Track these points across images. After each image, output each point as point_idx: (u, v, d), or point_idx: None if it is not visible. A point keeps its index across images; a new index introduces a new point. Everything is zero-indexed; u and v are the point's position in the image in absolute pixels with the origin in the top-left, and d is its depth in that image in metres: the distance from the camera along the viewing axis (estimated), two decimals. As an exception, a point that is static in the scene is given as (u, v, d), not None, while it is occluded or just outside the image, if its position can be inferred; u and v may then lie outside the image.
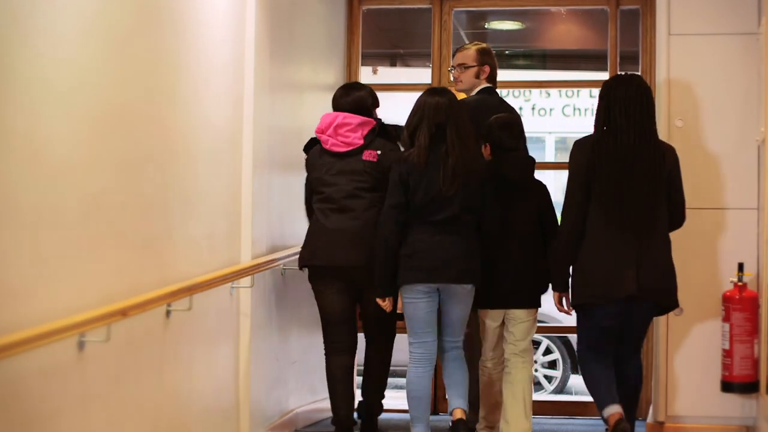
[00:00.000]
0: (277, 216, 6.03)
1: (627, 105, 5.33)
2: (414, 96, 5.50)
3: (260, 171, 5.68)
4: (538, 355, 9.29)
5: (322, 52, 6.89)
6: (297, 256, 5.84)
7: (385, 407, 6.02)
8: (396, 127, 5.77)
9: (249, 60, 5.56)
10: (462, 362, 5.49)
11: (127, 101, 4.23)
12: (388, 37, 9.64)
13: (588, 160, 5.31)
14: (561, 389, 9.38)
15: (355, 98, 5.80)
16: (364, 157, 5.66)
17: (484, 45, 6.11)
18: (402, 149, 5.60)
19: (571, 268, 5.39)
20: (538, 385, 9.20)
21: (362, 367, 5.95)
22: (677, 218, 5.43)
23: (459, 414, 5.34)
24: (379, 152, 5.66)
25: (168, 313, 4.56)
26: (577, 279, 5.37)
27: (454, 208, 5.30)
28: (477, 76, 6.02)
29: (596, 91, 5.57)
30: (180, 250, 4.74)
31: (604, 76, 6.79)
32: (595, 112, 5.50)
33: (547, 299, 5.59)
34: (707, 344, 5.94)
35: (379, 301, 5.41)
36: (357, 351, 5.88)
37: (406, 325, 5.45)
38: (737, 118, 6.00)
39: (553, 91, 11.22)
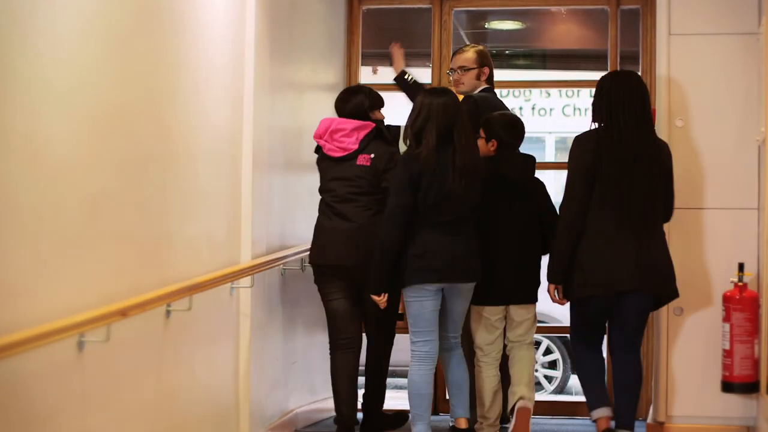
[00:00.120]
0: (277, 216, 6.03)
1: (628, 100, 5.41)
2: (414, 96, 5.51)
3: (260, 171, 5.68)
4: (538, 355, 9.29)
5: (322, 52, 6.88)
6: (297, 256, 6.00)
7: (385, 407, 6.06)
8: (389, 128, 5.82)
9: (249, 60, 5.56)
10: (465, 365, 5.58)
11: (127, 101, 4.23)
12: (388, 37, 9.63)
13: (591, 157, 5.37)
14: (561, 389, 9.37)
15: (354, 104, 5.88)
16: (358, 162, 5.74)
17: (481, 47, 6.22)
18: (401, 149, 5.62)
19: (568, 262, 5.45)
20: (538, 385, 9.19)
21: (363, 368, 5.98)
22: (669, 213, 5.59)
23: (463, 424, 5.49)
24: (372, 156, 5.72)
25: (168, 313, 4.56)
26: (577, 275, 5.42)
27: (462, 207, 5.36)
28: (477, 78, 6.12)
29: (597, 92, 5.61)
30: (180, 250, 4.74)
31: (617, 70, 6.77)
32: (592, 106, 5.55)
33: (548, 298, 5.63)
34: (707, 344, 5.94)
35: (374, 297, 5.41)
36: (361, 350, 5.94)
37: (408, 323, 5.47)
38: (737, 118, 5.99)
39: (554, 91, 11.21)
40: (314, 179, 6.26)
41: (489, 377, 5.66)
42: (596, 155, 5.39)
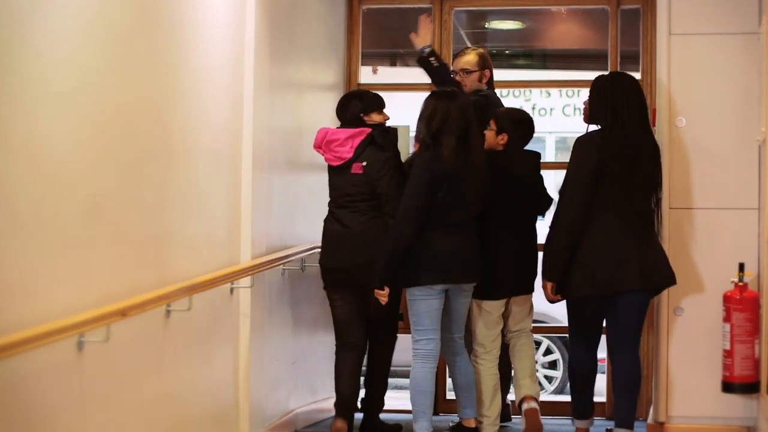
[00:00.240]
0: (277, 216, 6.03)
1: (630, 100, 5.48)
2: (414, 96, 5.52)
3: (260, 171, 5.68)
4: (539, 356, 9.28)
5: (322, 51, 6.88)
6: (297, 256, 6.05)
7: (385, 407, 6.08)
8: (388, 130, 5.84)
9: (249, 60, 5.56)
10: (471, 367, 5.64)
11: (127, 101, 4.23)
12: (388, 37, 9.62)
13: (595, 159, 5.41)
14: (561, 389, 9.36)
15: (350, 112, 5.93)
16: (352, 171, 5.81)
17: (482, 50, 6.31)
18: (409, 151, 5.66)
19: (567, 260, 5.49)
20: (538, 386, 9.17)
21: (365, 368, 6.00)
22: (659, 210, 5.67)
23: (473, 423, 5.60)
24: (364, 164, 5.77)
25: (168, 313, 4.56)
26: (576, 274, 5.45)
27: (473, 208, 5.46)
28: (479, 80, 6.19)
29: (597, 92, 5.63)
30: (180, 250, 4.74)
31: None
32: (589, 107, 5.56)
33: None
34: (708, 344, 5.93)
35: (377, 292, 5.41)
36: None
37: (411, 322, 5.49)
38: (738, 118, 5.99)
39: (554, 91, 11.20)
40: (314, 179, 6.27)
41: (489, 375, 5.67)
42: (600, 157, 5.41)
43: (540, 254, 5.73)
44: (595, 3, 7.32)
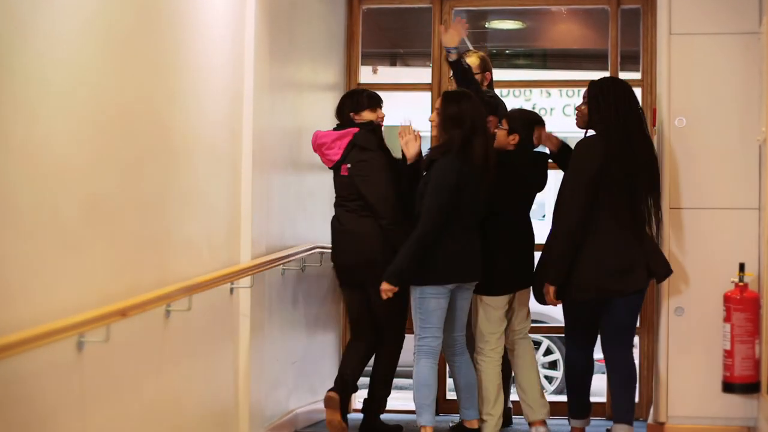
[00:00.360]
0: (277, 216, 6.02)
1: (633, 103, 5.52)
2: (414, 96, 5.52)
3: (260, 171, 5.68)
4: (539, 356, 9.27)
5: (322, 51, 6.88)
6: (297, 257, 6.06)
7: (386, 407, 6.08)
8: (376, 129, 5.88)
9: (248, 59, 5.56)
10: (473, 367, 5.66)
11: (127, 101, 4.22)
12: (388, 37, 9.63)
13: (599, 163, 5.43)
14: (562, 390, 9.35)
15: (344, 112, 5.97)
16: (342, 173, 5.89)
17: (482, 53, 6.38)
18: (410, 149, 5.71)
19: (569, 264, 5.50)
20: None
21: (370, 368, 6.01)
22: (658, 212, 5.68)
23: (476, 425, 5.64)
24: (348, 166, 5.84)
25: (167, 313, 4.56)
26: (576, 276, 5.45)
27: (484, 208, 5.54)
28: (481, 83, 6.20)
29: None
30: (179, 250, 4.73)
31: (605, 75, 6.77)
32: (589, 111, 5.57)
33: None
34: (708, 345, 5.93)
35: (386, 285, 5.41)
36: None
37: (417, 320, 5.49)
38: (738, 118, 5.99)
39: (554, 91, 11.20)
40: (314, 179, 6.27)
41: (493, 374, 5.69)
42: (602, 161, 5.43)
43: (537, 253, 5.76)
44: (595, 3, 7.32)
